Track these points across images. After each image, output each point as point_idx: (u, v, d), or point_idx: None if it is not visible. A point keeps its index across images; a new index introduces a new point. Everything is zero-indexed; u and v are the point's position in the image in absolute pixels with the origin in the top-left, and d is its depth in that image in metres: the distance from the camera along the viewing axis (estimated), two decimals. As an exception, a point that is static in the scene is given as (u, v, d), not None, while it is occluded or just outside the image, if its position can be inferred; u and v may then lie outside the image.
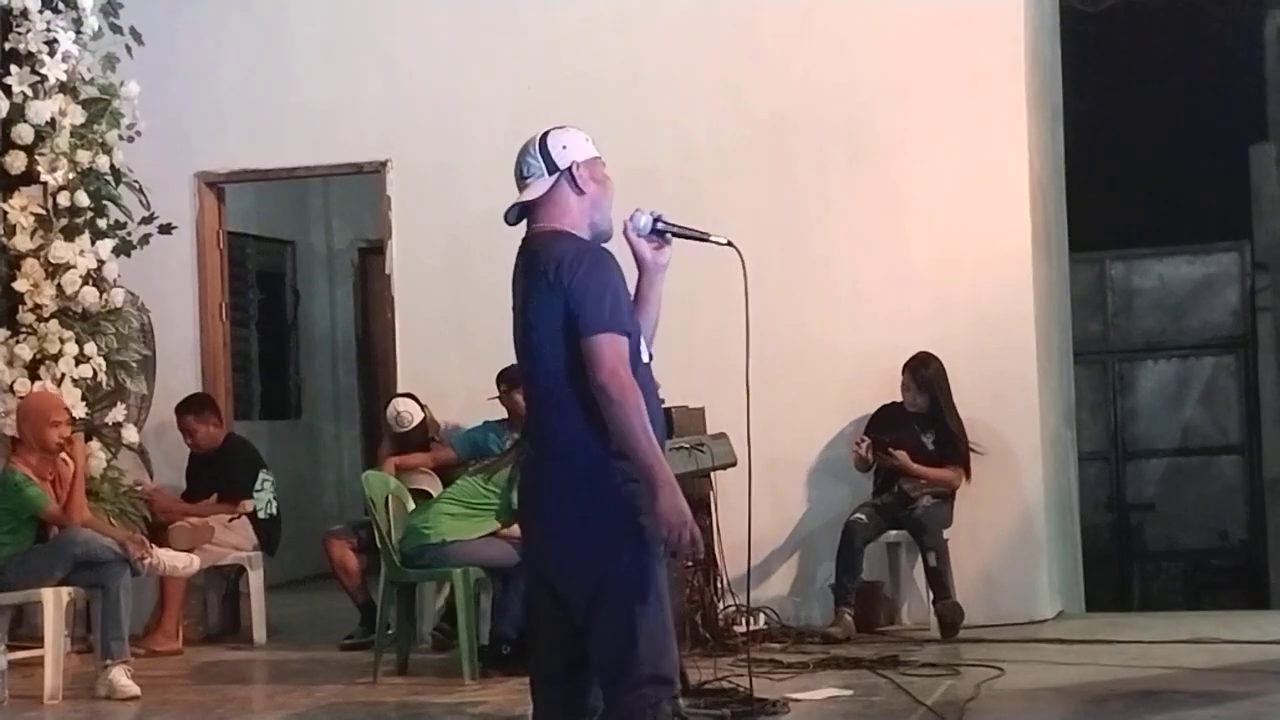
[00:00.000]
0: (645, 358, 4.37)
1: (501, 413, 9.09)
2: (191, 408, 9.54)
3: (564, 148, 4.47)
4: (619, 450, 4.20)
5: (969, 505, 8.98)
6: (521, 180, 4.50)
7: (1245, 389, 14.78)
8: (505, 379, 9.06)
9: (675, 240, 4.56)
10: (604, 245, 4.40)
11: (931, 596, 8.72)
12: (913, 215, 9.14)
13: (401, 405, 9.24)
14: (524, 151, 4.50)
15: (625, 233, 4.47)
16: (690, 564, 4.13)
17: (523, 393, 4.65)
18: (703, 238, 4.54)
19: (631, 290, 4.45)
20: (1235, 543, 14.81)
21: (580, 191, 4.44)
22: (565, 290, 4.27)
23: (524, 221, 4.53)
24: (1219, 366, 15.00)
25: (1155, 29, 14.76)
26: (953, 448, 8.92)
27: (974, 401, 8.97)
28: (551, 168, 4.45)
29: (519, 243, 4.53)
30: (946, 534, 8.83)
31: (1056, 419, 9.78)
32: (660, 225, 4.49)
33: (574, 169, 4.44)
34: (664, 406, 4.85)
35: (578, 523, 4.32)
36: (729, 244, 4.51)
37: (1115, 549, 14.80)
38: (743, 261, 4.45)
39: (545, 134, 4.51)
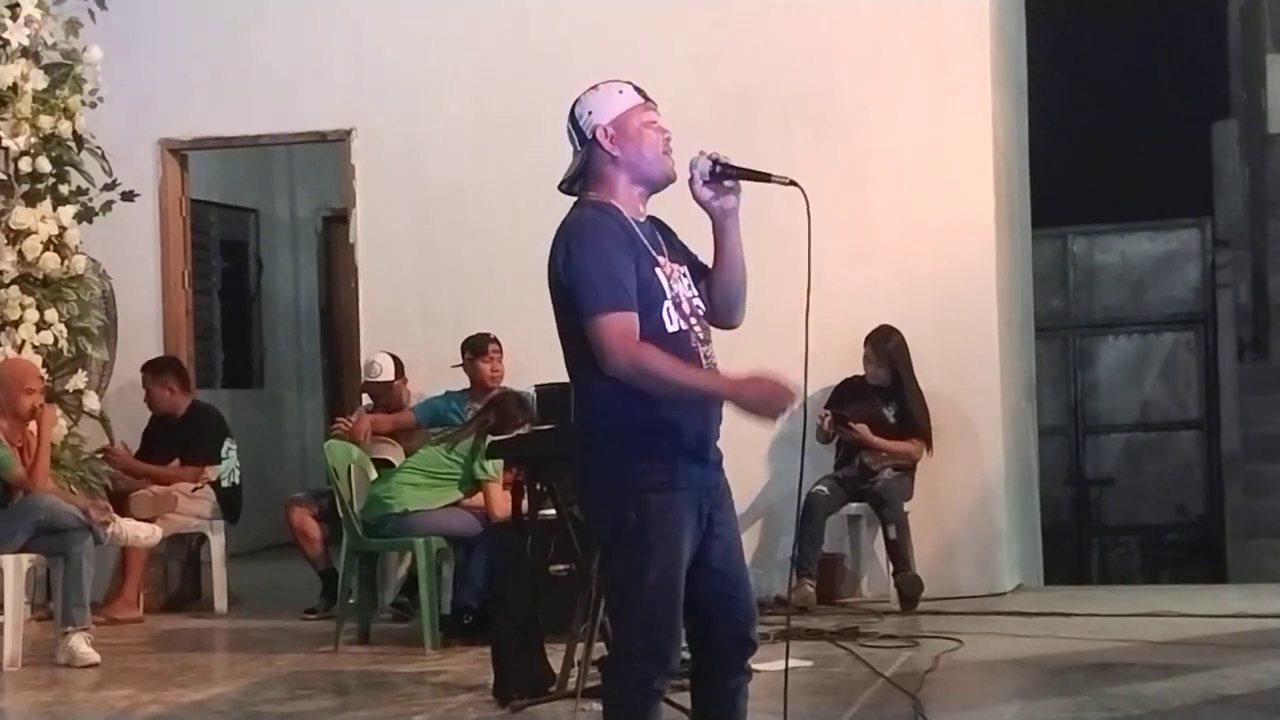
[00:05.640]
0: (672, 328, 4.18)
1: (463, 382, 9.09)
2: (150, 368, 9.57)
3: (589, 113, 4.26)
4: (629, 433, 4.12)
5: (929, 478, 9.02)
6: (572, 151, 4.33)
7: (1205, 365, 14.85)
8: (469, 347, 9.07)
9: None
10: (605, 213, 4.20)
11: (891, 569, 8.77)
12: (877, 188, 9.16)
13: (378, 357, 9.26)
14: (567, 121, 4.31)
15: (690, 183, 4.26)
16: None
17: None
18: (764, 178, 4.26)
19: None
20: (1193, 518, 14.89)
21: (613, 157, 4.24)
22: (561, 276, 4.15)
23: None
24: (1179, 342, 15.07)
25: (1119, 6, 14.82)
26: (913, 421, 8.96)
27: (935, 375, 9.01)
28: (582, 138, 4.27)
29: None
30: (907, 507, 8.87)
31: (1017, 393, 9.83)
32: (719, 169, 4.25)
33: (599, 135, 4.23)
34: None
35: (588, 501, 4.32)
36: (791, 183, 4.23)
37: (1074, 523, 14.86)
38: (807, 202, 4.24)
39: (577, 100, 4.30)
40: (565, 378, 4.36)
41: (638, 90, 4.33)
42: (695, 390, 4.13)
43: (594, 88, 4.33)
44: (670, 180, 4.29)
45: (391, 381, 9.25)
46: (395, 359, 9.27)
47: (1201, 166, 14.67)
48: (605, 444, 4.18)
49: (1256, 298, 14.34)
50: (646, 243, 4.24)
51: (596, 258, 4.13)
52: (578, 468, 4.33)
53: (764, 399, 4.10)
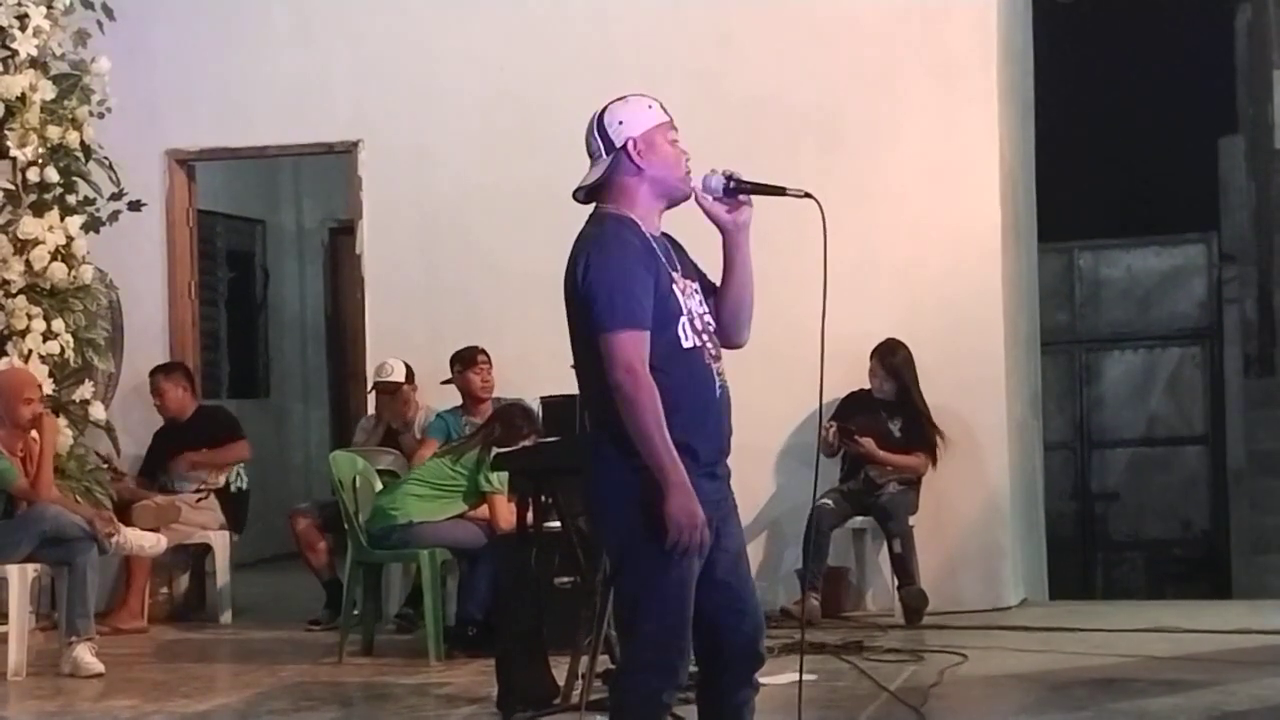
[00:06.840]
0: (687, 344, 4.22)
1: (452, 400, 9.08)
2: (162, 369, 9.63)
3: (620, 124, 4.29)
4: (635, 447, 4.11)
5: (934, 492, 9.02)
6: (590, 159, 4.34)
7: (1210, 380, 14.84)
8: (459, 359, 9.09)
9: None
10: (627, 227, 4.23)
11: (896, 583, 8.76)
12: (883, 203, 9.16)
13: (389, 359, 9.27)
14: (588, 129, 4.33)
15: (697, 198, 4.31)
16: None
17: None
18: (779, 192, 4.34)
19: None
20: (1198, 533, 14.89)
21: (639, 169, 4.28)
22: (579, 286, 4.16)
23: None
24: (1185, 357, 15.07)
25: (1126, 21, 14.82)
26: (919, 435, 8.96)
27: (941, 389, 9.00)
28: (609, 147, 4.29)
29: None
30: (912, 521, 8.87)
31: (1023, 408, 9.82)
32: (734, 184, 4.31)
33: (629, 146, 4.27)
34: None
35: (599, 514, 4.32)
36: (807, 195, 4.32)
37: (1079, 538, 14.86)
38: (823, 214, 4.31)
39: (604, 109, 4.33)
40: (570, 390, 4.37)
41: (663, 108, 4.36)
42: (652, 453, 4.08)
43: (623, 99, 4.35)
44: (687, 199, 4.34)
45: (401, 383, 9.26)
46: (407, 365, 9.28)
47: (1208, 181, 14.68)
48: (618, 457, 4.17)
49: (1263, 313, 14.34)
50: (663, 258, 4.27)
51: (617, 272, 4.15)
52: (589, 480, 4.32)
53: (681, 520, 4.08)
